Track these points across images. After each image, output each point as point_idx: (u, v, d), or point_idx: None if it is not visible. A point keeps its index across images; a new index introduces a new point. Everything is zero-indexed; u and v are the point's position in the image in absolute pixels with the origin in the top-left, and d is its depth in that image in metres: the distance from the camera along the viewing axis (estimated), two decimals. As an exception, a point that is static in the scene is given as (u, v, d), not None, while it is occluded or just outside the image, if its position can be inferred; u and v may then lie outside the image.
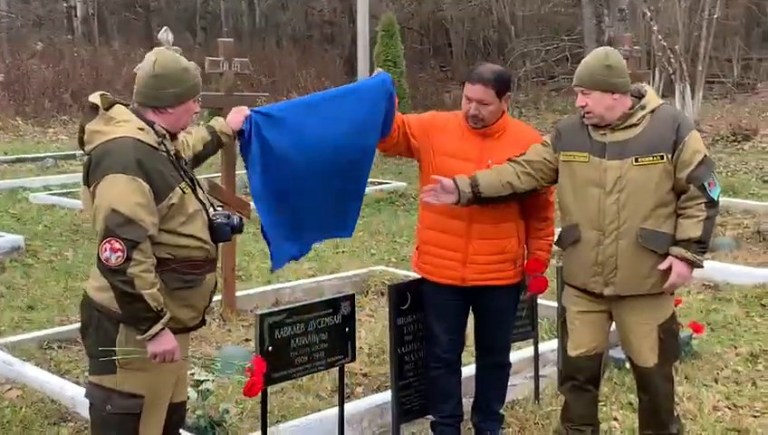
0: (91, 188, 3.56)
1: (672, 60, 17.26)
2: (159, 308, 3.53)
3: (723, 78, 24.28)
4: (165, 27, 8.61)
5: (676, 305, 6.06)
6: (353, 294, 4.83)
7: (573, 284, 4.55)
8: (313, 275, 8.43)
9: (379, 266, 8.59)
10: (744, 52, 26.34)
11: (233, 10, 33.96)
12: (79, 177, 13.97)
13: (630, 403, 5.52)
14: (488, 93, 4.50)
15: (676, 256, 4.25)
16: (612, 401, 5.54)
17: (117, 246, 3.45)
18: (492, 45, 29.78)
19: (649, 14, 19.21)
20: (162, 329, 3.55)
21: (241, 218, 3.89)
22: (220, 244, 3.87)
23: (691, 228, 4.25)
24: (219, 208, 3.90)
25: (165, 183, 3.59)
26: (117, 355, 3.61)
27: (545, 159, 4.52)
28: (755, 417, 5.43)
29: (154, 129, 3.68)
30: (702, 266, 4.32)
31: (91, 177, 3.56)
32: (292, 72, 24.66)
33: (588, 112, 4.35)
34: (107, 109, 3.66)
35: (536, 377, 5.66)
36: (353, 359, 4.82)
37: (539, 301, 5.73)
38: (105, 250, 3.46)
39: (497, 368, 4.92)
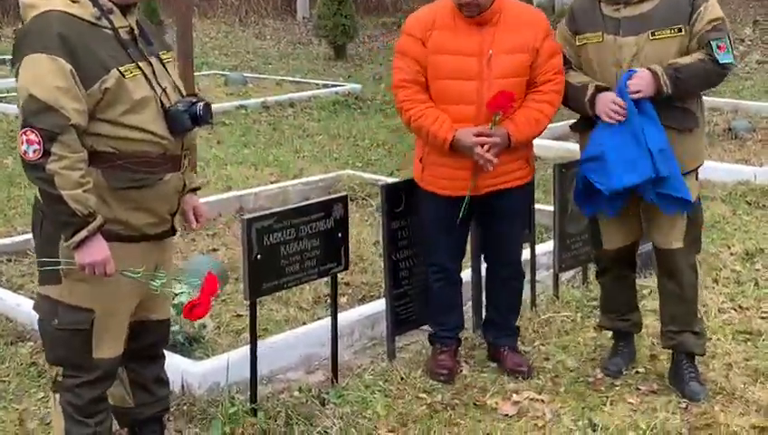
0: (14, 72, 3.08)
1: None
2: (86, 212, 3.03)
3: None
4: None
5: None
6: (346, 196, 4.39)
7: None
8: (276, 181, 7.93)
9: (346, 170, 8.11)
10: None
11: None
12: (11, 82, 13.22)
13: (653, 311, 5.14)
14: None
15: (649, 68, 3.98)
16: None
17: (32, 137, 2.97)
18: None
19: None
20: (87, 236, 3.05)
21: (207, 106, 3.28)
22: (189, 139, 3.35)
23: (681, 58, 3.98)
24: (190, 98, 3.32)
25: (97, 63, 3.06)
26: (60, 263, 3.15)
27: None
28: (763, 319, 5.15)
29: (98, 2, 3.15)
30: (665, 92, 3.97)
31: (14, 59, 3.10)
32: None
33: None
34: None
35: (533, 282, 5.29)
36: (347, 267, 4.39)
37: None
38: (22, 142, 2.99)
39: (511, 278, 4.52)
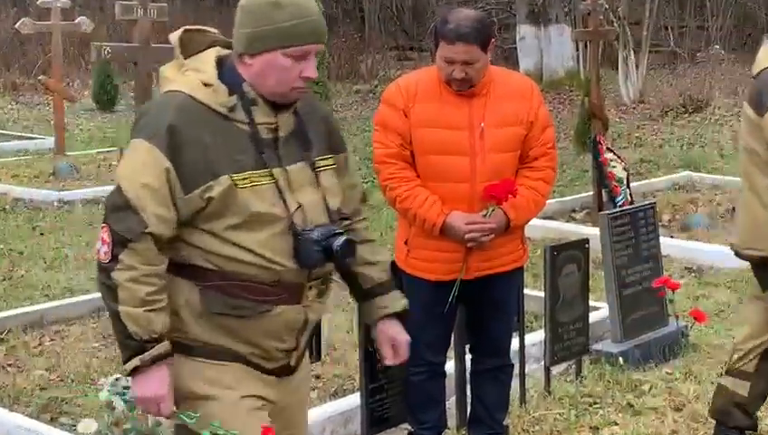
0: None
1: (615, 24, 17.12)
2: (145, 337, 2.77)
3: (660, 46, 24.41)
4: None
5: (673, 291, 5.88)
6: (318, 280, 4.36)
7: None
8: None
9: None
10: (679, 19, 26.54)
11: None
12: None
13: (631, 405, 5.19)
14: (473, 51, 4.02)
15: None
16: (609, 403, 5.20)
17: (105, 236, 2.76)
18: (407, 10, 29.47)
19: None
20: (140, 366, 2.79)
21: (349, 243, 2.90)
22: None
23: None
24: (332, 226, 2.92)
25: (206, 166, 2.77)
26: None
27: None
28: (773, 418, 5.14)
29: (241, 89, 2.85)
30: None
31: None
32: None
33: None
34: (199, 51, 2.91)
35: (522, 376, 5.26)
36: (319, 358, 4.39)
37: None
38: (99, 237, 2.80)
39: (499, 371, 4.51)
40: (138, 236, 2.74)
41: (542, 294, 5.48)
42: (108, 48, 6.13)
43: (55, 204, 10.29)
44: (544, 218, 8.98)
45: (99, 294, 6.78)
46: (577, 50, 19.43)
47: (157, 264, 2.78)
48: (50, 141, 13.44)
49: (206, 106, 2.82)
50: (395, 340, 3.22)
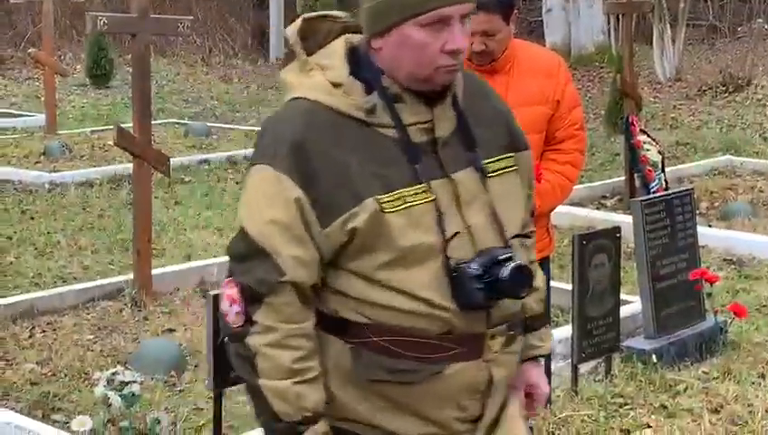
0: None
1: (650, -5, 17.12)
2: (297, 417, 2.32)
3: (698, 20, 24.36)
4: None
5: (711, 284, 5.90)
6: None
7: None
8: (243, 250, 7.95)
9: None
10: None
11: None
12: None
13: (664, 406, 5.20)
14: (494, 20, 4.04)
15: None
16: (641, 405, 5.21)
17: (234, 293, 2.33)
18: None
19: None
20: None
21: (520, 269, 2.35)
22: (505, 306, 2.44)
23: None
24: (497, 251, 2.37)
25: (347, 188, 2.30)
26: None
27: None
28: (818, 421, 5.16)
29: (381, 83, 2.36)
30: None
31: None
32: (188, 7, 24.00)
33: None
34: (327, 42, 2.44)
35: (547, 374, 5.27)
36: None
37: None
38: (224, 297, 2.38)
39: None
40: (273, 287, 2.29)
41: (569, 286, 5.51)
42: (104, 18, 6.14)
43: (46, 186, 10.35)
44: (572, 205, 9.00)
45: (93, 283, 6.96)
46: (608, 23, 19.40)
47: (302, 321, 2.33)
48: (40, 119, 13.52)
49: (338, 112, 2.35)
50: (535, 388, 2.73)
